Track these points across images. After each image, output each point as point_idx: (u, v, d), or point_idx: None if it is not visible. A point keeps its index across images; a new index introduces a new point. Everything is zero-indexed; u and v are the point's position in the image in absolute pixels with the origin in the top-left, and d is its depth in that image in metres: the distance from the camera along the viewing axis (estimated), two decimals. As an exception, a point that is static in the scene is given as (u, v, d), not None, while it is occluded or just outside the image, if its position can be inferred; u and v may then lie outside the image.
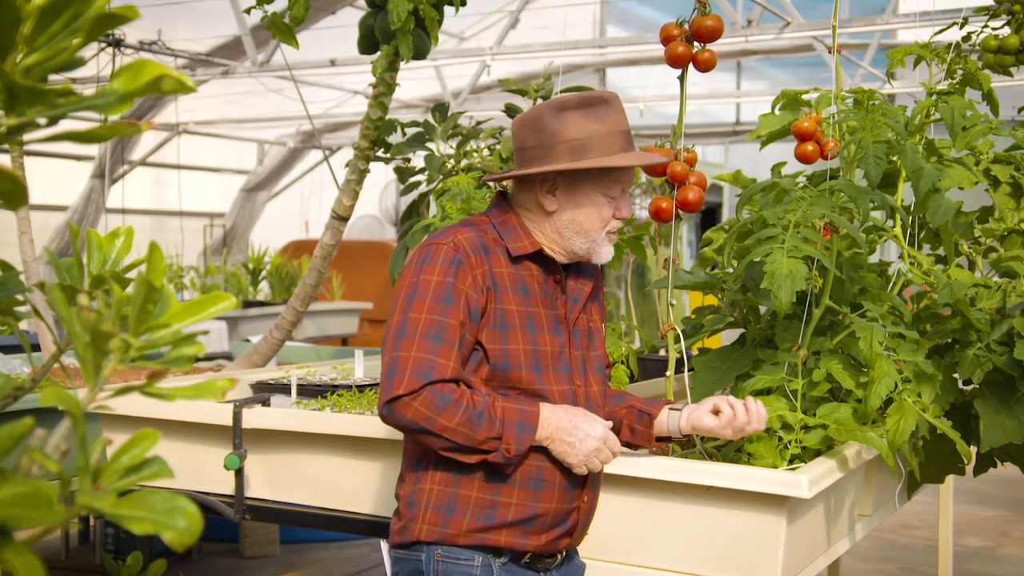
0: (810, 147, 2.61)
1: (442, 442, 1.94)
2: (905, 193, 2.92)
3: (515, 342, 2.04)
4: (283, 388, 3.05)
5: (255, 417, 2.76)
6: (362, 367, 3.32)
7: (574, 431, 1.99)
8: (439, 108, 3.80)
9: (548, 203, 2.09)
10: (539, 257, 2.11)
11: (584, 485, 2.11)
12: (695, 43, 2.41)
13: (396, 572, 2.09)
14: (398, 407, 1.92)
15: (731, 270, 2.92)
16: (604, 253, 2.12)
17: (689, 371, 2.62)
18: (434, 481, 2.05)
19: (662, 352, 3.21)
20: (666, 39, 2.41)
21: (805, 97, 2.91)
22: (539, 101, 3.41)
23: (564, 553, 2.17)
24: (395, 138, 3.87)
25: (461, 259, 2.00)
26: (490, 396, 1.99)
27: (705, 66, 2.39)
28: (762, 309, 2.89)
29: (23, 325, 5.31)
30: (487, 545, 2.03)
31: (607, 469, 2.26)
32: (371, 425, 2.62)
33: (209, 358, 4.65)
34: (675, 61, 2.39)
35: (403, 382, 1.91)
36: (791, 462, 2.31)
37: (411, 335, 1.95)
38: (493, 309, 2.02)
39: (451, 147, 3.72)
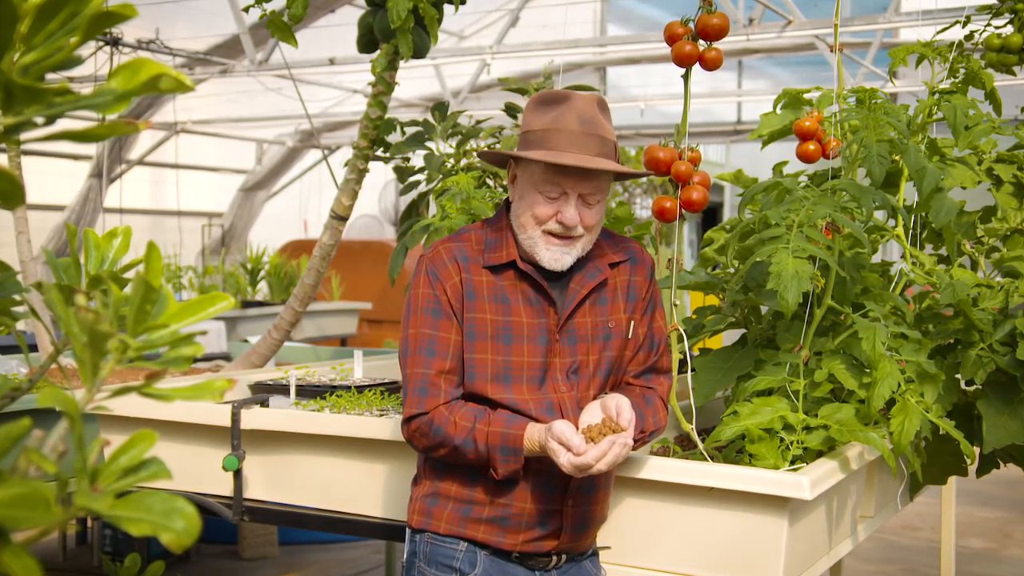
0: (812, 146, 2.60)
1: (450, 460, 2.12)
2: (907, 193, 2.91)
3: (483, 352, 2.09)
4: (282, 389, 3.04)
5: (254, 418, 2.76)
6: (361, 367, 3.30)
7: (550, 454, 1.99)
8: (439, 107, 3.78)
9: (511, 193, 2.18)
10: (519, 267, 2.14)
11: (566, 490, 2.12)
12: (701, 41, 2.39)
13: (406, 552, 2.23)
14: (407, 435, 2.11)
15: (732, 270, 2.91)
16: (544, 256, 2.10)
17: (690, 371, 2.61)
18: (426, 474, 2.19)
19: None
20: (671, 38, 2.38)
21: (807, 96, 2.90)
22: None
23: (562, 556, 2.17)
24: (394, 137, 3.86)
25: (437, 270, 2.11)
26: (482, 419, 2.04)
27: (712, 64, 2.37)
28: (763, 309, 2.88)
29: (20, 325, 5.30)
30: (466, 537, 2.12)
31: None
32: (370, 426, 2.61)
33: (207, 358, 4.64)
34: (682, 60, 2.37)
35: (408, 402, 2.09)
36: (793, 463, 2.30)
37: (412, 351, 2.10)
38: (466, 318, 2.10)
39: (451, 146, 3.71)
